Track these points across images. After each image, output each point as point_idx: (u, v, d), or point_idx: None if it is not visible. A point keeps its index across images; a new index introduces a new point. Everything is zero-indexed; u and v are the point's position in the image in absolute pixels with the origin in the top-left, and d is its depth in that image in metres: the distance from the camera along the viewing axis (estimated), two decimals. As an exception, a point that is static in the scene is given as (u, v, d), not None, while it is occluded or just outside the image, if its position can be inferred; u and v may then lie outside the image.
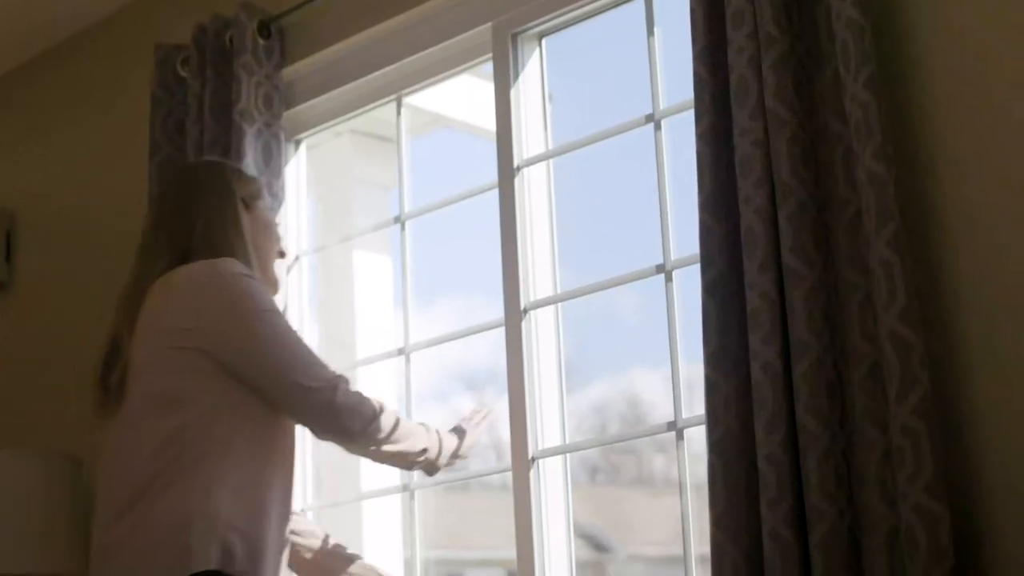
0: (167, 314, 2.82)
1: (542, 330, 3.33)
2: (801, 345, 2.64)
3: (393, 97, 3.75)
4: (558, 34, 3.48)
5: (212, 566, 2.64)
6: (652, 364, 3.36)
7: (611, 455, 3.81)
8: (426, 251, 3.73)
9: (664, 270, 3.12)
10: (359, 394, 2.89)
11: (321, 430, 2.91)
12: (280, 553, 2.83)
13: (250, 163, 3.60)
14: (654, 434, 3.17)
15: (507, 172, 3.40)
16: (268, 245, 3.04)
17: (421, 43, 3.64)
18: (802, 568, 2.60)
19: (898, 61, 2.75)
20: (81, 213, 4.43)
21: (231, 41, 3.77)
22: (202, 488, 2.69)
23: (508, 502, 3.28)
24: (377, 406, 2.92)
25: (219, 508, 2.69)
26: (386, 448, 2.94)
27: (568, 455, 3.28)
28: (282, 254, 3.09)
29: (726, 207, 2.81)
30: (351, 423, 2.86)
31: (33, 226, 4.63)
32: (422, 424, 3.08)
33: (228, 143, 3.67)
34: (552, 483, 3.25)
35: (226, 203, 2.95)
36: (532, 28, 3.46)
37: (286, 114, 3.79)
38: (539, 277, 3.37)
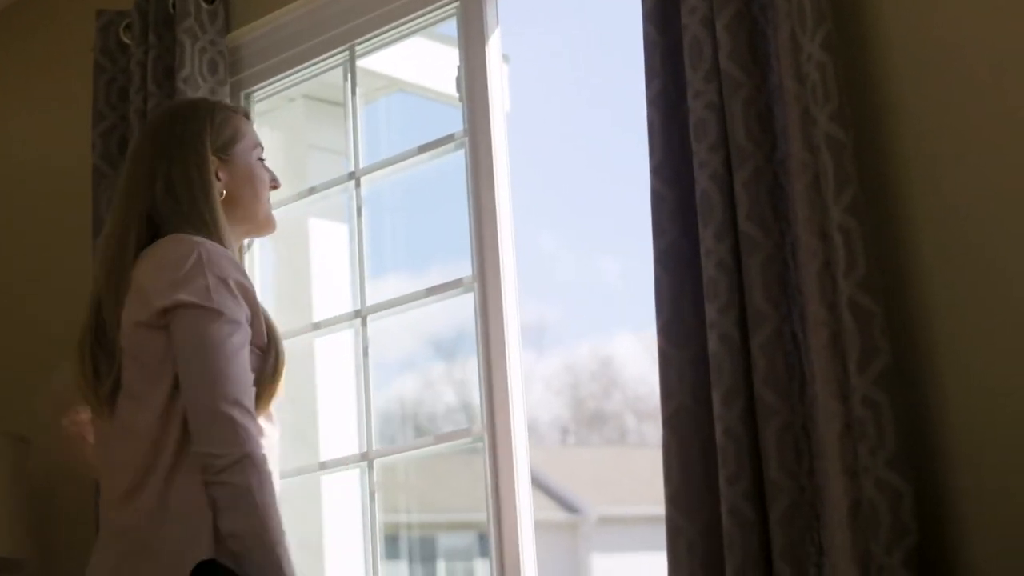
0: (147, 293, 2.59)
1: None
2: (759, 315, 2.56)
3: (343, 60, 3.65)
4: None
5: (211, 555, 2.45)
6: (633, 327, 3.30)
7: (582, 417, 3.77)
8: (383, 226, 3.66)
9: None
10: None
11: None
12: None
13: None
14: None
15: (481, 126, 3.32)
16: (251, 193, 2.80)
17: (372, 2, 3.55)
18: (762, 544, 2.52)
19: (855, 21, 2.67)
20: (23, 185, 4.33)
21: (174, 6, 3.68)
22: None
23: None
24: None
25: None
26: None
27: (541, 415, 3.23)
28: (275, 186, 2.85)
29: (676, 173, 2.72)
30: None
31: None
32: None
33: (173, 111, 3.57)
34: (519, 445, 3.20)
35: (192, 166, 2.71)
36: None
37: (232, 80, 3.69)
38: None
